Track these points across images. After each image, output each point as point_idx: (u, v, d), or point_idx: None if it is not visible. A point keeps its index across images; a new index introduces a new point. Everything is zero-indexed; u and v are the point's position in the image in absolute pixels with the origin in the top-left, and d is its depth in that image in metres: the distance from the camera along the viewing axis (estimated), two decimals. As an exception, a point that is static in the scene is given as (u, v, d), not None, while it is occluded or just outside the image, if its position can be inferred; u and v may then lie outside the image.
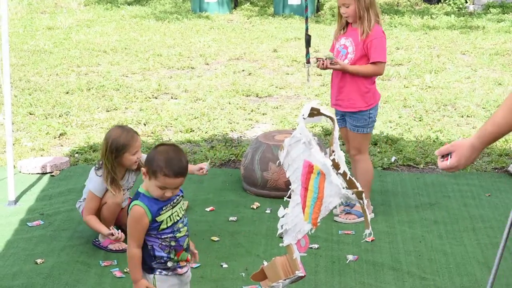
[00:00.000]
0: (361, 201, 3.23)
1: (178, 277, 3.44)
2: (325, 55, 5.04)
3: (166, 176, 3.20)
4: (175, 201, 3.34)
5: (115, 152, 4.53)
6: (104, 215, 4.69)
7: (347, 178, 3.24)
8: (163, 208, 3.29)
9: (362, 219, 5.14)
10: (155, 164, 3.22)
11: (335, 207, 3.29)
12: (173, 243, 3.33)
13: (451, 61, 10.12)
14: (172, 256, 3.35)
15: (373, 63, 4.97)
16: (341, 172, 3.24)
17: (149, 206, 3.26)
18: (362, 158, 5.16)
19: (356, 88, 5.03)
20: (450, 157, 2.87)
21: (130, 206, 3.32)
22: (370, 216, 5.11)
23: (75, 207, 5.34)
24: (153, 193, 3.26)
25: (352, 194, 3.20)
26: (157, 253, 3.32)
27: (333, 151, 3.33)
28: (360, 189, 3.23)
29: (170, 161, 3.23)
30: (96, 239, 4.75)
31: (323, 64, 4.96)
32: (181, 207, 3.39)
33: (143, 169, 3.28)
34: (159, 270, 3.35)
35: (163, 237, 3.31)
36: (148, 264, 3.35)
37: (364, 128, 5.08)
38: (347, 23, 5.08)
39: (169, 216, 3.31)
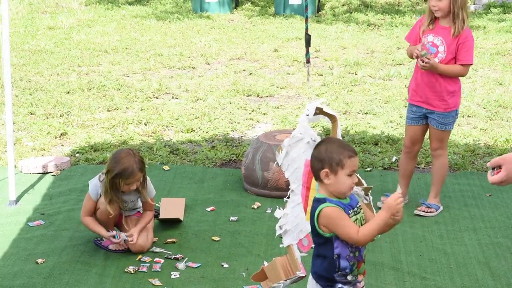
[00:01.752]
0: (368, 198, 3.25)
1: None
2: (420, 52, 4.92)
3: (350, 156, 2.97)
4: (356, 208, 3.05)
5: (113, 175, 4.48)
6: (99, 219, 4.71)
7: None
8: (349, 213, 3.02)
9: (440, 210, 5.28)
10: (334, 156, 2.98)
11: None
12: (357, 254, 3.06)
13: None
14: (354, 268, 3.06)
15: (462, 64, 5.01)
16: None
17: (341, 206, 3.01)
18: (444, 153, 5.31)
19: (450, 88, 5.07)
20: (497, 170, 2.91)
21: (317, 212, 3.00)
22: (440, 209, 5.25)
23: (76, 207, 5.34)
24: (342, 188, 2.98)
25: (361, 191, 3.23)
26: (342, 264, 3.03)
27: None
28: (366, 185, 3.25)
29: (342, 143, 3.04)
30: (98, 239, 4.75)
31: (418, 57, 4.94)
32: (362, 216, 3.07)
33: (323, 173, 2.99)
34: (341, 284, 3.06)
35: (353, 246, 3.03)
36: (329, 276, 3.06)
37: (451, 125, 5.20)
38: (435, 18, 5.04)
39: (355, 222, 3.02)
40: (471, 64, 5.07)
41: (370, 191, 3.27)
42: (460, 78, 5.17)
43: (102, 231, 4.62)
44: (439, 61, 4.98)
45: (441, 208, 5.30)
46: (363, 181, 3.30)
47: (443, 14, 4.97)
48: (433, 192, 5.31)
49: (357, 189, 3.21)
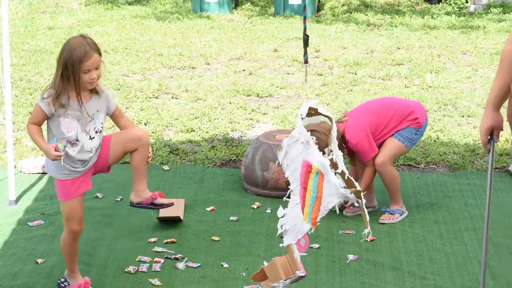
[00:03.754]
0: (360, 201, 3.24)
1: None
2: None
3: None
4: None
5: (64, 63, 3.78)
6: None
7: (346, 177, 3.26)
8: None
9: (405, 214, 5.23)
10: None
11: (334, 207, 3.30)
12: None
13: (451, 61, 10.12)
14: None
15: None
16: (340, 172, 3.25)
17: None
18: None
19: None
20: None
21: None
22: (405, 214, 5.16)
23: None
24: None
25: (351, 193, 3.21)
26: None
27: (331, 151, 3.33)
28: (358, 188, 3.24)
29: None
30: (61, 280, 4.24)
31: None
32: None
33: None
34: None
35: None
36: None
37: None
38: None
39: None
40: None
41: (363, 194, 3.25)
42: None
43: (42, 143, 3.83)
44: None
45: (406, 212, 5.24)
46: (356, 183, 3.28)
47: None
48: (391, 199, 5.24)
49: (346, 192, 3.19)
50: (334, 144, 3.38)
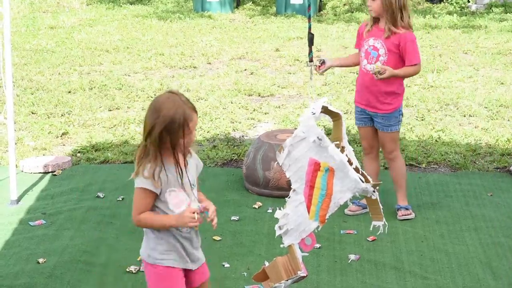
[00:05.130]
0: (375, 194, 3.26)
1: None
2: (373, 68, 4.86)
3: None
4: None
5: (165, 132, 3.16)
6: None
7: (360, 172, 3.27)
8: None
9: (366, 210, 5.20)
10: None
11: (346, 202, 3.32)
12: None
13: (453, 61, 10.11)
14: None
15: (411, 65, 4.90)
16: (354, 167, 3.26)
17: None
18: (398, 155, 5.21)
19: (387, 88, 4.97)
20: None
21: None
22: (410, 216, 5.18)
23: (77, 206, 5.35)
24: None
25: (371, 187, 3.23)
26: None
27: (343, 147, 3.34)
28: (372, 182, 3.26)
29: None
30: None
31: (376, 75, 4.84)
32: None
33: None
34: None
35: None
36: None
37: (395, 126, 5.10)
38: (376, 21, 4.96)
39: None
40: (419, 62, 4.94)
41: (378, 187, 3.28)
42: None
43: (169, 220, 3.15)
44: (382, 63, 4.88)
45: (413, 214, 5.27)
46: (369, 177, 3.31)
47: (376, 15, 4.90)
48: (402, 195, 5.24)
49: (367, 186, 3.22)
50: (345, 140, 3.39)
